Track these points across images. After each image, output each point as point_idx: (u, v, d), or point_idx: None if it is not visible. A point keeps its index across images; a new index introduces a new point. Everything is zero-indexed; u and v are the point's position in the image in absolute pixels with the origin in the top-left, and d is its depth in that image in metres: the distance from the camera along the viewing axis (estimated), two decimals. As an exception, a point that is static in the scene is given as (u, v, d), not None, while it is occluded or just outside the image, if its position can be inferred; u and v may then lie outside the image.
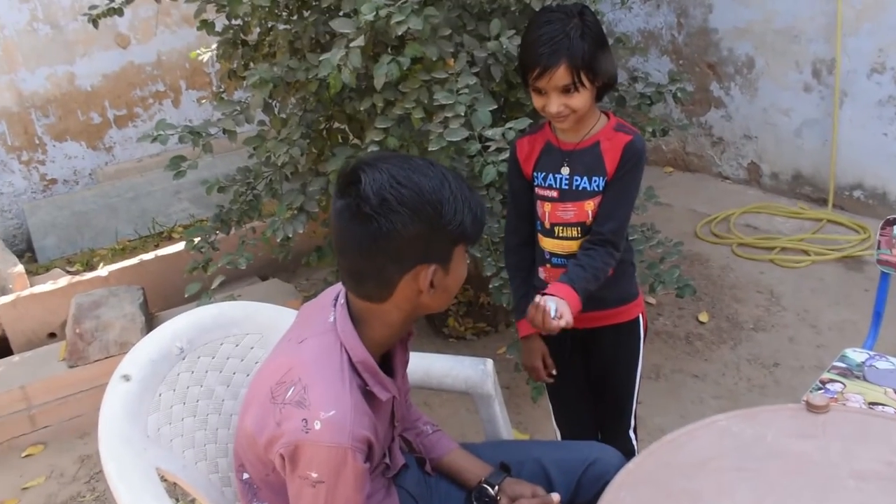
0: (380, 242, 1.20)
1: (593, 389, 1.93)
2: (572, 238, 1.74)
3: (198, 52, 2.94)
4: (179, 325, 1.63)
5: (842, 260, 3.40)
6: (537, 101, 1.66)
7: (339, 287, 1.37)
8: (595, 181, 1.70)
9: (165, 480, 1.44)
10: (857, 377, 1.98)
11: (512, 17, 2.44)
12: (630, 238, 1.81)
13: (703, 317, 3.09)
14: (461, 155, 2.21)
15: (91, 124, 4.56)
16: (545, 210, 1.75)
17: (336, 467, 1.18)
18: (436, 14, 2.03)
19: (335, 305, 1.32)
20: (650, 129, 2.78)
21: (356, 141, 2.59)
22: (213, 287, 2.59)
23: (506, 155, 1.98)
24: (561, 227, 1.74)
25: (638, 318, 1.87)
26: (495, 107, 2.12)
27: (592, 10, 1.94)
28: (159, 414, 1.50)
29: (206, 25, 2.69)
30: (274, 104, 2.52)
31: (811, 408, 1.47)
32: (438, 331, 3.16)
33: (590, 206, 1.71)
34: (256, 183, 2.62)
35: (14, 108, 4.34)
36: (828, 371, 2.03)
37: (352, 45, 1.99)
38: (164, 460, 1.45)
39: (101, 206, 4.30)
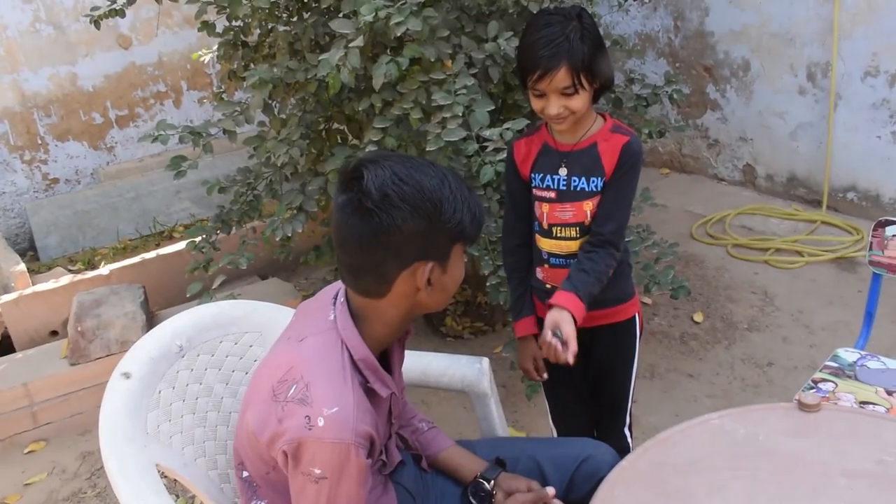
0: (380, 237, 1.23)
1: (590, 388, 1.95)
2: (570, 238, 1.76)
3: (199, 53, 2.96)
4: (179, 324, 1.65)
5: (835, 261, 3.42)
6: (536, 104, 1.67)
7: (338, 285, 1.39)
8: (593, 182, 1.72)
9: (165, 477, 1.46)
10: (849, 377, 2.01)
11: (510, 20, 2.46)
12: (626, 239, 1.83)
13: (698, 317, 3.11)
14: (459, 155, 2.23)
15: (93, 124, 4.58)
16: (543, 211, 1.77)
17: (339, 463, 1.19)
18: (434, 15, 2.05)
19: (335, 303, 1.33)
20: (646, 131, 2.80)
21: (355, 141, 2.61)
22: (214, 287, 2.61)
23: (503, 155, 2.00)
24: (559, 228, 1.76)
25: (634, 317, 1.89)
26: (493, 107, 2.14)
27: (589, 12, 1.97)
28: (159, 411, 1.52)
29: (207, 27, 2.72)
30: (274, 105, 2.54)
31: (803, 407, 1.49)
32: (436, 330, 3.19)
33: (588, 206, 1.73)
34: (257, 183, 2.64)
35: (17, 108, 4.36)
36: (820, 371, 2.05)
37: (351, 45, 2.01)
38: (164, 457, 1.47)
39: (102, 206, 4.33)
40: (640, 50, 4.42)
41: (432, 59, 2.14)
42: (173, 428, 1.53)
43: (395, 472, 1.50)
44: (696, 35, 4.19)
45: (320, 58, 2.06)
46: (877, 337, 2.31)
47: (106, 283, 3.33)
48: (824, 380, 2.01)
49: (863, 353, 2.10)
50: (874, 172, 3.64)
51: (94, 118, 4.57)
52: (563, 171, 1.74)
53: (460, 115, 2.07)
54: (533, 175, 1.78)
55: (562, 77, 1.60)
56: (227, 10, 2.46)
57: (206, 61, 2.94)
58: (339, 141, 2.69)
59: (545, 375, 1.87)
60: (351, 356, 1.28)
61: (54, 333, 3.34)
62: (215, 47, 2.82)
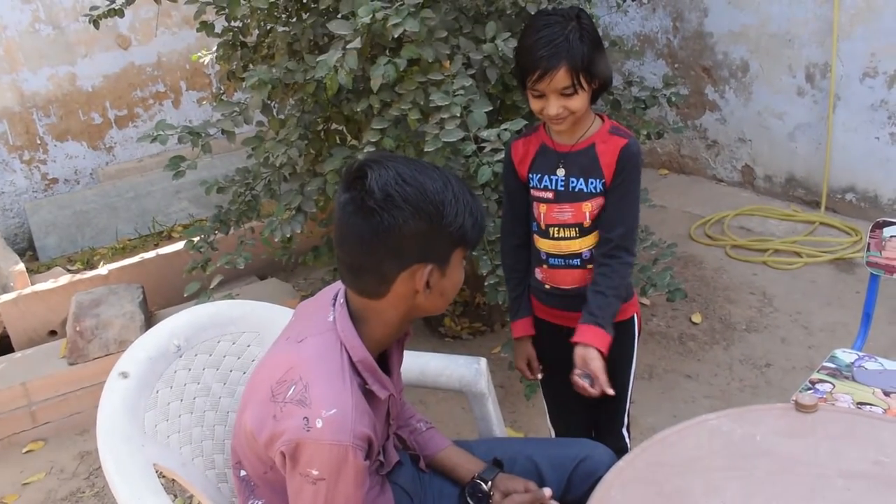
0: (380, 236, 1.23)
1: None
2: (569, 238, 1.76)
3: (198, 54, 2.96)
4: (177, 324, 1.66)
5: (834, 262, 3.43)
6: (535, 104, 1.67)
7: (337, 286, 1.39)
8: (592, 183, 1.72)
9: (163, 477, 1.46)
10: (847, 377, 2.01)
11: (508, 20, 2.46)
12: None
13: (697, 318, 3.12)
14: (457, 155, 2.24)
15: (92, 124, 4.58)
16: (541, 211, 1.77)
17: (337, 465, 1.20)
18: (432, 16, 2.06)
19: (334, 304, 1.34)
20: (645, 132, 2.81)
21: (354, 142, 2.62)
22: (211, 286, 2.62)
23: (501, 155, 2.00)
24: (556, 228, 1.76)
25: (633, 317, 1.89)
26: (490, 108, 2.15)
27: (588, 13, 1.97)
28: (157, 411, 1.53)
29: (206, 27, 2.72)
30: (273, 105, 2.55)
31: (800, 407, 1.49)
32: (435, 330, 3.19)
33: (587, 207, 1.73)
34: (255, 184, 2.64)
35: (16, 108, 4.37)
36: (817, 371, 2.06)
37: (349, 46, 2.01)
38: (162, 456, 1.48)
39: (101, 206, 4.33)
40: (639, 51, 4.42)
41: (430, 60, 2.15)
42: (171, 427, 1.54)
43: (392, 472, 1.50)
44: (695, 36, 4.19)
45: (318, 59, 2.06)
46: (874, 338, 2.32)
47: (105, 283, 3.33)
48: (822, 381, 2.01)
49: (860, 354, 2.11)
50: (873, 173, 3.64)
51: (93, 118, 4.58)
52: (560, 172, 1.74)
53: (458, 115, 2.08)
54: (531, 175, 1.78)
55: (561, 77, 1.60)
56: (226, 10, 2.46)
57: (205, 62, 2.94)
58: (338, 141, 2.70)
59: (540, 375, 1.87)
60: (350, 357, 1.28)
61: (53, 333, 3.34)
62: (214, 48, 2.83)
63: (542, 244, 1.80)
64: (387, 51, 2.27)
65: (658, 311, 3.17)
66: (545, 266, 1.81)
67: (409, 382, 1.69)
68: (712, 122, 4.27)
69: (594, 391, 1.63)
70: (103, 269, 3.55)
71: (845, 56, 3.58)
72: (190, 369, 1.62)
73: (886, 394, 1.93)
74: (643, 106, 2.77)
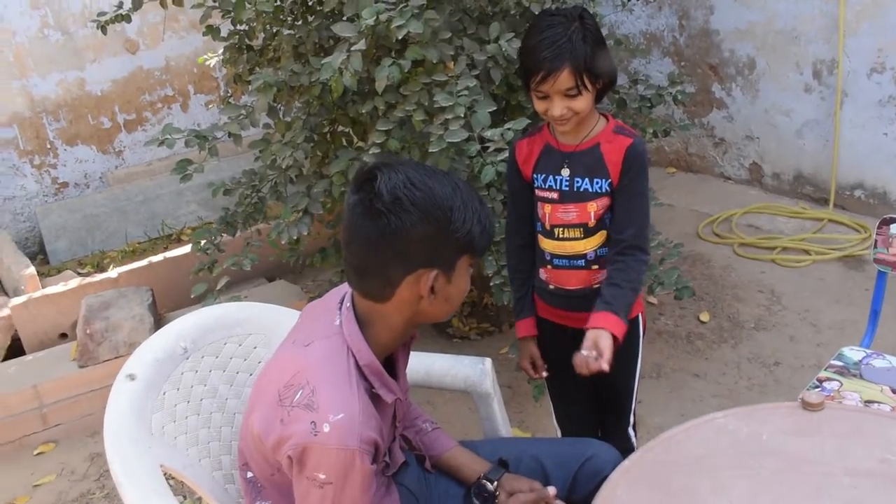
0: (387, 238, 1.23)
1: (593, 388, 1.95)
2: (574, 239, 1.76)
3: (205, 56, 2.98)
4: (184, 326, 1.67)
5: (842, 259, 3.41)
6: (539, 105, 1.67)
7: (344, 288, 1.40)
8: (597, 182, 1.71)
9: (172, 479, 1.47)
10: (854, 375, 2.00)
11: (511, 21, 2.47)
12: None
13: (705, 316, 3.11)
14: (461, 156, 2.24)
15: (101, 129, 4.61)
16: (545, 211, 1.77)
17: (344, 469, 1.20)
18: (436, 17, 2.06)
19: (341, 308, 1.34)
20: (651, 131, 2.80)
21: (360, 143, 2.62)
22: (217, 288, 2.63)
23: (505, 155, 2.00)
24: (561, 229, 1.76)
25: (638, 317, 1.89)
26: (495, 108, 2.15)
27: (591, 12, 1.97)
28: (164, 412, 1.54)
29: (212, 31, 2.74)
30: (279, 108, 2.56)
31: (807, 406, 1.48)
32: (443, 331, 3.19)
33: (592, 207, 1.72)
34: (261, 186, 2.66)
35: (26, 114, 4.40)
36: (825, 369, 2.05)
37: (353, 48, 2.02)
38: (169, 458, 1.49)
39: (111, 209, 4.36)
40: (645, 49, 4.41)
41: (434, 61, 2.15)
42: (178, 429, 1.55)
43: (398, 472, 1.50)
44: (702, 33, 4.18)
45: (323, 62, 2.07)
46: (882, 335, 2.31)
47: (114, 286, 3.35)
48: (829, 378, 2.00)
49: (868, 351, 2.10)
50: (881, 170, 3.62)
51: (102, 122, 4.61)
52: (565, 172, 1.74)
53: (462, 116, 2.08)
54: (535, 175, 1.78)
55: (565, 78, 1.60)
56: (232, 14, 2.48)
57: (212, 65, 2.96)
58: (344, 143, 2.71)
59: (544, 374, 1.87)
60: (356, 362, 1.29)
61: (64, 336, 3.36)
62: (221, 51, 2.84)
63: (547, 245, 1.80)
64: (391, 52, 2.28)
65: (666, 310, 3.17)
66: (549, 266, 1.81)
67: (414, 383, 1.69)
68: (719, 120, 4.26)
69: (595, 365, 1.58)
70: (113, 273, 3.57)
71: (852, 52, 3.56)
72: (197, 371, 1.63)
73: (895, 391, 1.92)
74: (649, 105, 2.77)
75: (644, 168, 1.73)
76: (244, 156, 4.06)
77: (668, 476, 1.38)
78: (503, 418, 1.80)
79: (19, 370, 3.03)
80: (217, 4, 2.51)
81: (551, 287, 1.82)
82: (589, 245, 1.75)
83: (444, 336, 3.18)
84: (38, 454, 2.86)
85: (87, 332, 2.97)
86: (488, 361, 1.79)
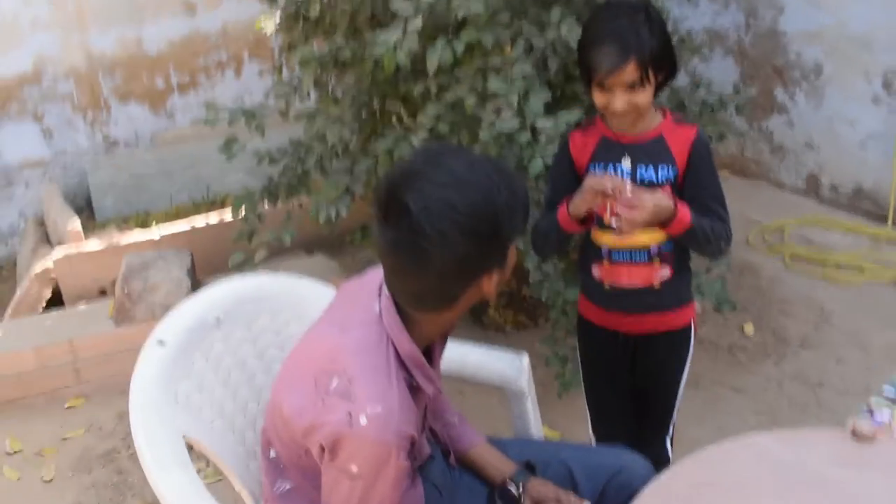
0: (441, 270, 1.19)
1: (634, 395, 1.90)
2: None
3: (261, 20, 2.94)
4: (217, 295, 1.65)
5: (899, 281, 3.28)
6: (599, 98, 1.62)
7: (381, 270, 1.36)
8: (663, 169, 1.66)
9: (192, 450, 1.45)
10: (906, 405, 1.91)
11: (575, 6, 2.39)
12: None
13: (749, 328, 3.01)
14: (511, 143, 2.18)
15: (154, 89, 4.63)
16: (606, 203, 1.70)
17: (378, 464, 1.17)
18: (498, -2, 2.00)
19: (380, 294, 1.29)
20: (709, 128, 2.71)
21: (409, 122, 2.57)
22: (256, 261, 2.62)
23: (554, 147, 1.94)
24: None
25: (690, 323, 1.85)
26: (549, 97, 2.08)
27: (658, 6, 1.89)
28: (191, 381, 1.52)
29: (270, -2, 2.70)
30: (329, 81, 2.52)
31: (857, 436, 1.41)
32: (478, 320, 3.15)
33: None
34: (307, 157, 2.62)
35: (83, 69, 4.43)
36: (876, 395, 1.96)
37: (409, 26, 1.97)
38: (193, 428, 1.47)
39: (158, 170, 4.38)
40: (708, 47, 4.27)
41: (489, 46, 2.09)
42: (204, 399, 1.53)
43: (423, 466, 1.47)
44: (769, 34, 4.03)
45: (379, 38, 2.02)
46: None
47: (155, 248, 3.37)
48: (881, 407, 1.91)
49: (923, 380, 1.99)
50: (948, 190, 3.47)
51: (156, 83, 4.62)
52: (626, 163, 1.68)
53: (515, 104, 2.02)
54: (592, 165, 1.71)
55: (630, 72, 1.55)
56: (290, -20, 2.44)
57: (268, 33, 2.93)
58: (392, 122, 2.66)
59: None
60: (396, 351, 1.25)
61: (103, 293, 3.40)
62: (277, 16, 2.80)
63: (605, 238, 1.72)
64: (449, 31, 2.22)
65: (708, 319, 3.07)
66: (606, 262, 1.74)
67: (447, 373, 1.64)
68: (779, 125, 4.12)
69: (611, 182, 1.56)
70: (155, 234, 3.59)
71: (929, 65, 3.40)
72: (227, 342, 1.61)
73: (949, 426, 1.82)
74: (710, 110, 2.68)
75: (711, 154, 1.70)
76: (293, 126, 4.04)
77: (704, 498, 1.32)
78: (536, 418, 1.75)
79: (56, 323, 3.07)
80: (276, -29, 2.47)
81: (606, 287, 1.75)
82: (653, 238, 1.69)
83: (479, 324, 3.13)
84: (69, 408, 2.90)
85: (125, 290, 2.99)
86: (526, 358, 1.74)
